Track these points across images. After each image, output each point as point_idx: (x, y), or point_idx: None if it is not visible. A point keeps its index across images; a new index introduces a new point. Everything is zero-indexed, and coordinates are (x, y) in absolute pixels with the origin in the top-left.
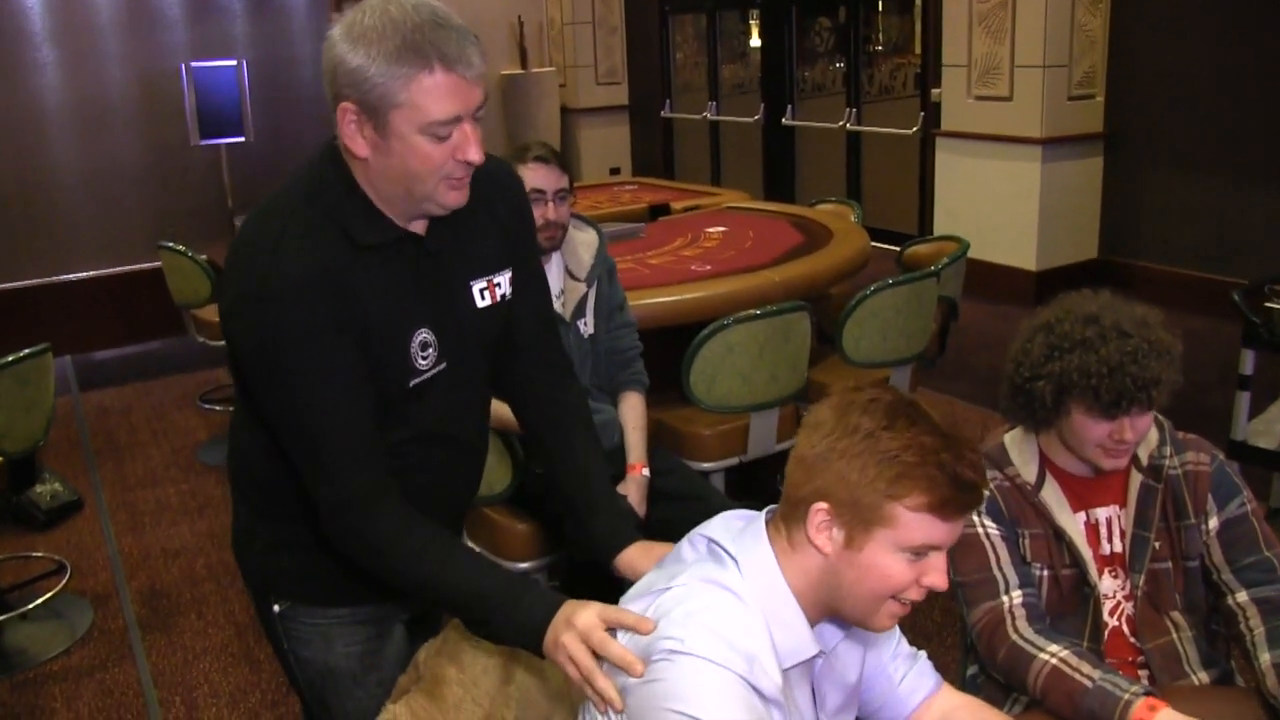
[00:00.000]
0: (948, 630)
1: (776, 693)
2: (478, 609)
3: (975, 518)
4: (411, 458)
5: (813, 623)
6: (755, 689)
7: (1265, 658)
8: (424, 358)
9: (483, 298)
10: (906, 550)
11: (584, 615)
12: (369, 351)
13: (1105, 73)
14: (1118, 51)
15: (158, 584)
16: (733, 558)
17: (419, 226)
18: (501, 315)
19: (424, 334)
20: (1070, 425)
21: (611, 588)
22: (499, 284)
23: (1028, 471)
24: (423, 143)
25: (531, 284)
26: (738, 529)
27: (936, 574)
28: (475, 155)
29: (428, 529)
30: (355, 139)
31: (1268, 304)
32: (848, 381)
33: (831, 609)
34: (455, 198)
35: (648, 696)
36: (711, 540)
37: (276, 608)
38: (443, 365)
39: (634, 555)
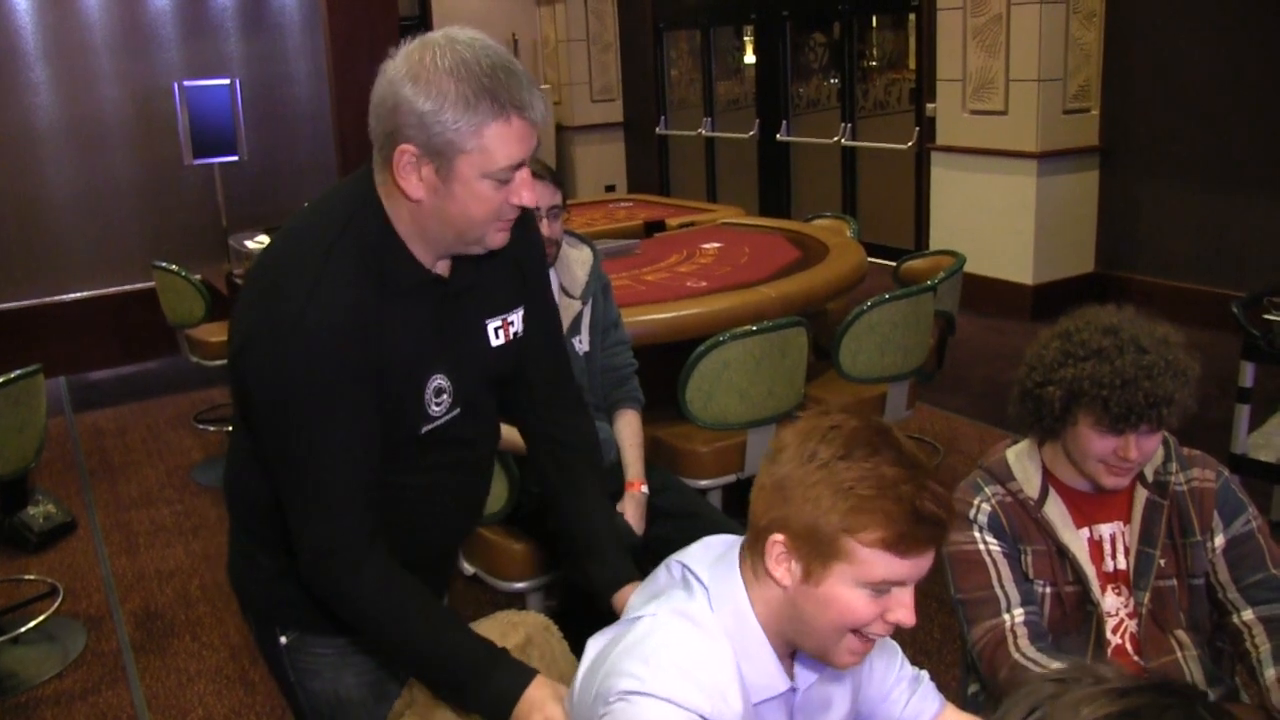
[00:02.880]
0: (947, 647)
1: None
2: (447, 677)
3: (976, 534)
4: (418, 489)
5: (782, 656)
6: None
7: (1270, 673)
8: (438, 404)
9: (497, 336)
10: (867, 586)
11: (552, 708)
12: (384, 400)
13: (1100, 86)
14: (1112, 65)
15: (152, 606)
16: (704, 587)
17: (443, 268)
18: (513, 353)
19: (439, 379)
20: (1075, 436)
21: (608, 610)
22: (512, 322)
23: (1030, 487)
24: (485, 187)
25: (544, 319)
26: (714, 557)
27: (902, 610)
28: (530, 199)
29: (409, 588)
30: (409, 180)
31: (1267, 316)
32: (845, 397)
33: (793, 643)
34: (501, 239)
35: None
36: (685, 567)
37: (283, 639)
38: (456, 411)
39: (630, 594)
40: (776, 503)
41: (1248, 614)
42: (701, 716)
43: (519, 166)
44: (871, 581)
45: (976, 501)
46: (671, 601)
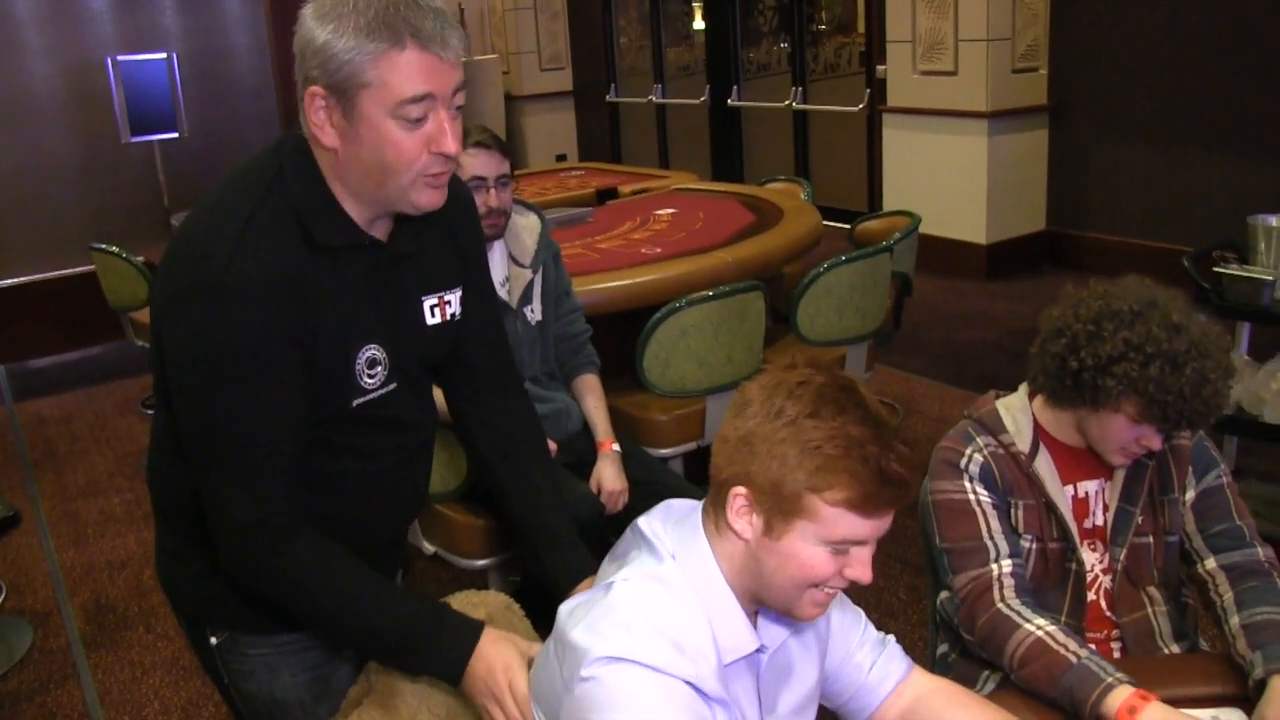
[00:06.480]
0: (913, 608)
1: (722, 691)
2: (392, 645)
3: (966, 483)
4: (357, 477)
5: (750, 615)
6: (700, 691)
7: (1234, 620)
8: (371, 375)
9: (433, 315)
10: (827, 544)
11: (515, 669)
12: (314, 366)
13: (1048, 45)
14: (1059, 24)
15: (103, 598)
16: (669, 548)
17: (380, 231)
18: (449, 336)
19: (373, 350)
20: (1105, 420)
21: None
22: (450, 302)
23: (1022, 440)
24: (393, 129)
25: (484, 307)
26: (676, 518)
27: (860, 568)
28: (452, 146)
29: (339, 558)
30: (324, 128)
31: (1217, 269)
32: (797, 359)
33: (757, 598)
34: (431, 197)
35: (587, 704)
36: (649, 529)
37: (214, 640)
38: (392, 385)
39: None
40: (741, 457)
41: (1210, 563)
42: (684, 681)
43: (424, 100)
44: (833, 540)
45: (968, 451)
46: (641, 566)
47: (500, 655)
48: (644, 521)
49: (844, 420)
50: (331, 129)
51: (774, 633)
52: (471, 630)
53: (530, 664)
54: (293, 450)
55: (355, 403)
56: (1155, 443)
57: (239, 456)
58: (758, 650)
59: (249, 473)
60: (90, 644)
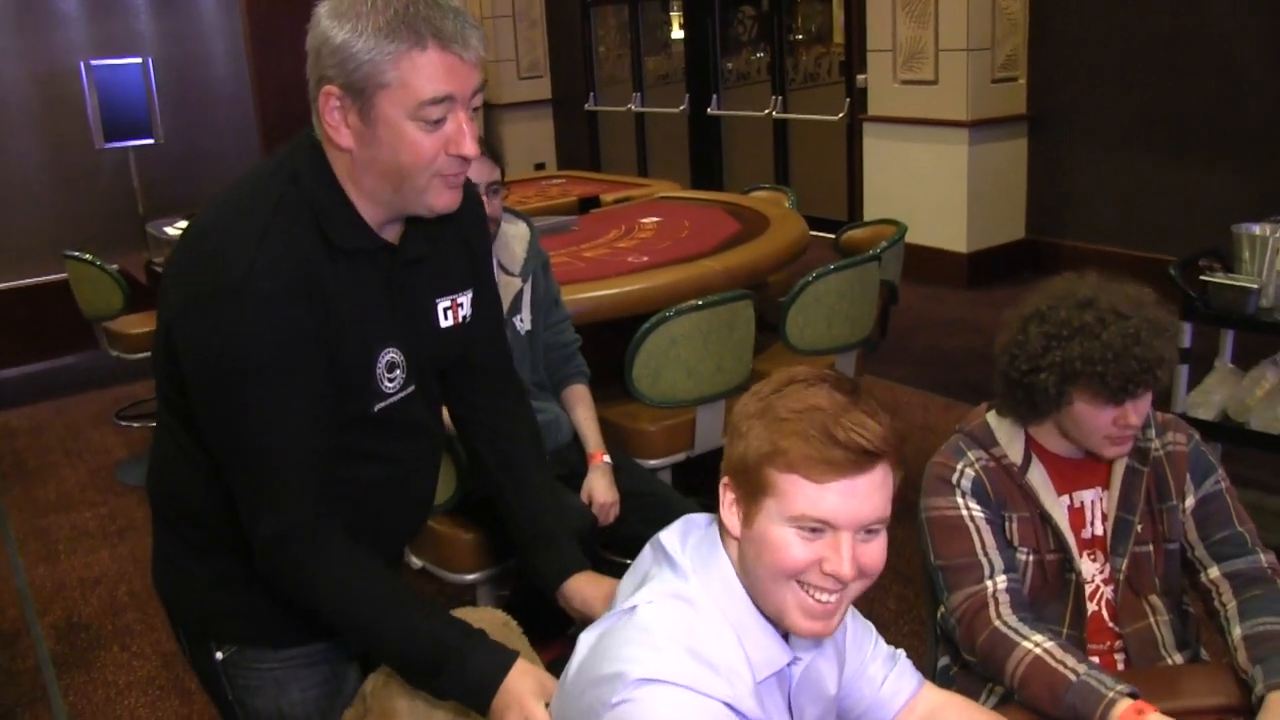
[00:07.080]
0: (904, 618)
1: (759, 711)
2: (421, 662)
3: (959, 499)
4: (368, 485)
5: (779, 629)
6: (738, 712)
7: (1237, 632)
8: (391, 379)
9: (446, 317)
10: (792, 522)
11: (532, 705)
12: (336, 370)
13: (1027, 55)
14: (1039, 34)
15: (75, 616)
16: (690, 564)
17: (392, 235)
18: (460, 338)
19: (391, 353)
20: (1073, 416)
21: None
22: (462, 304)
23: (1014, 452)
24: (412, 130)
25: (489, 308)
26: (697, 532)
27: (835, 559)
28: (470, 148)
29: (374, 567)
30: (339, 129)
31: (1203, 278)
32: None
33: (760, 606)
34: (448, 199)
35: None
36: (672, 546)
37: (219, 655)
38: (410, 389)
39: (582, 583)
40: (726, 446)
41: (1214, 571)
42: (721, 703)
43: (444, 102)
44: (794, 515)
45: (959, 466)
46: (664, 584)
47: (521, 691)
48: (665, 537)
49: (809, 393)
50: (347, 130)
51: (803, 645)
52: (503, 658)
53: (548, 704)
54: (321, 454)
55: (377, 407)
56: (1132, 417)
57: (266, 465)
58: (789, 664)
59: (279, 480)
60: (61, 665)
